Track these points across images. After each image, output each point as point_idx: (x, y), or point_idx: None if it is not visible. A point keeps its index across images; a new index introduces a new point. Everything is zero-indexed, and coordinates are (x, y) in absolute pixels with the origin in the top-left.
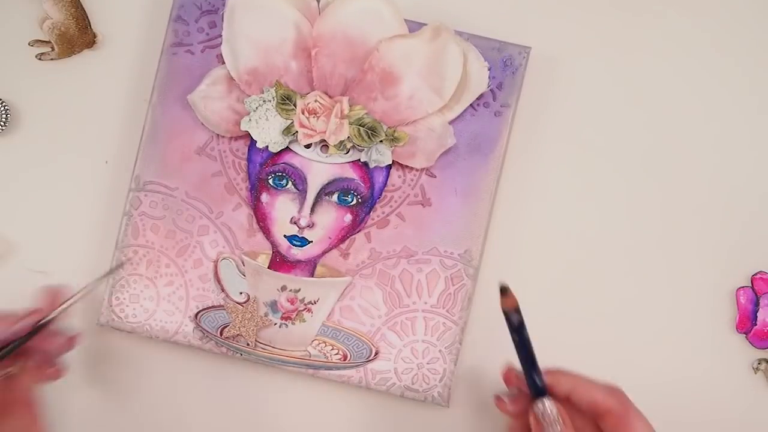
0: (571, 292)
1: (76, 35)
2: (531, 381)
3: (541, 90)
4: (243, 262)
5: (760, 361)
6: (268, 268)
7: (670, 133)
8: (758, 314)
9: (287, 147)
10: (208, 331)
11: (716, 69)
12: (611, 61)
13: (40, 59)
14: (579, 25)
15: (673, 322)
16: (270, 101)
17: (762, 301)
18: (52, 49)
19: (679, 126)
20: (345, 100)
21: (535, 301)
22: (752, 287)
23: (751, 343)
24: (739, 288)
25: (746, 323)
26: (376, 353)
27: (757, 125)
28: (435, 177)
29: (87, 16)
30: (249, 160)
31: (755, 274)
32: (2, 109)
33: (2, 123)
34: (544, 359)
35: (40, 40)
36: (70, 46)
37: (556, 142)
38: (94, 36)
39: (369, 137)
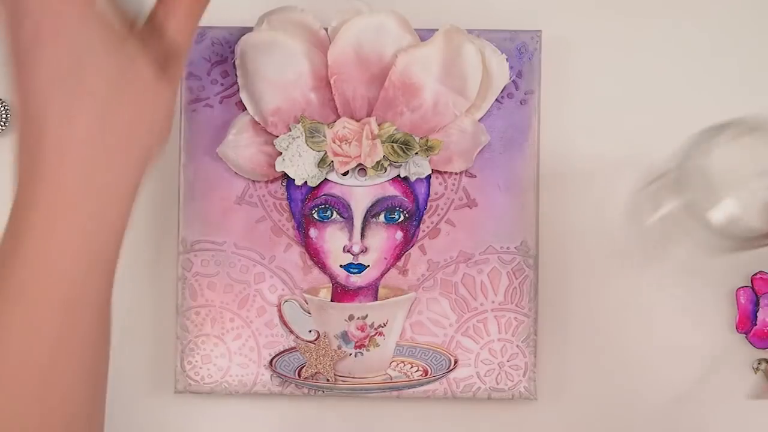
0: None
1: None
2: None
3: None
4: (305, 301)
5: (760, 361)
6: (331, 301)
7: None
8: (758, 314)
9: (325, 178)
10: (286, 376)
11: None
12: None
13: None
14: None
15: (672, 321)
16: (299, 137)
17: (762, 301)
18: None
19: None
20: (372, 120)
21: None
22: (752, 287)
23: (751, 343)
24: (739, 288)
25: (746, 323)
26: (456, 362)
27: None
28: (475, 177)
29: None
30: (290, 199)
31: (755, 274)
32: (2, 109)
33: (2, 123)
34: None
35: None
36: None
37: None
38: None
39: (404, 152)
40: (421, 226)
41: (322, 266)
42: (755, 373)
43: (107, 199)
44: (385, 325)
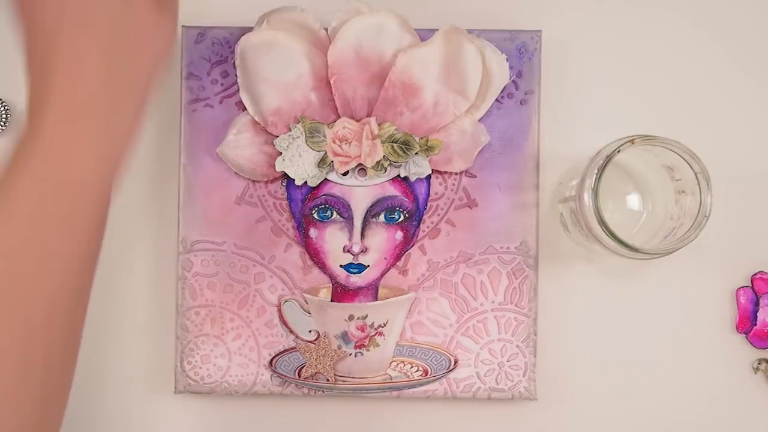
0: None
1: None
2: None
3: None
4: (305, 301)
5: (760, 361)
6: (331, 301)
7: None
8: (758, 314)
9: (325, 178)
10: (286, 376)
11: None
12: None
13: None
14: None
15: (672, 322)
16: (299, 137)
17: (762, 301)
18: None
19: (678, 120)
20: (372, 120)
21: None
22: (752, 287)
23: (751, 343)
24: (739, 288)
25: (746, 323)
26: (456, 362)
27: (760, 123)
28: (475, 177)
29: None
30: (289, 198)
31: (755, 274)
32: (2, 109)
33: (2, 123)
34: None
35: None
36: None
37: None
38: None
39: (404, 152)
40: (421, 226)
41: (322, 266)
42: (755, 373)
43: (117, 109)
44: (385, 325)
